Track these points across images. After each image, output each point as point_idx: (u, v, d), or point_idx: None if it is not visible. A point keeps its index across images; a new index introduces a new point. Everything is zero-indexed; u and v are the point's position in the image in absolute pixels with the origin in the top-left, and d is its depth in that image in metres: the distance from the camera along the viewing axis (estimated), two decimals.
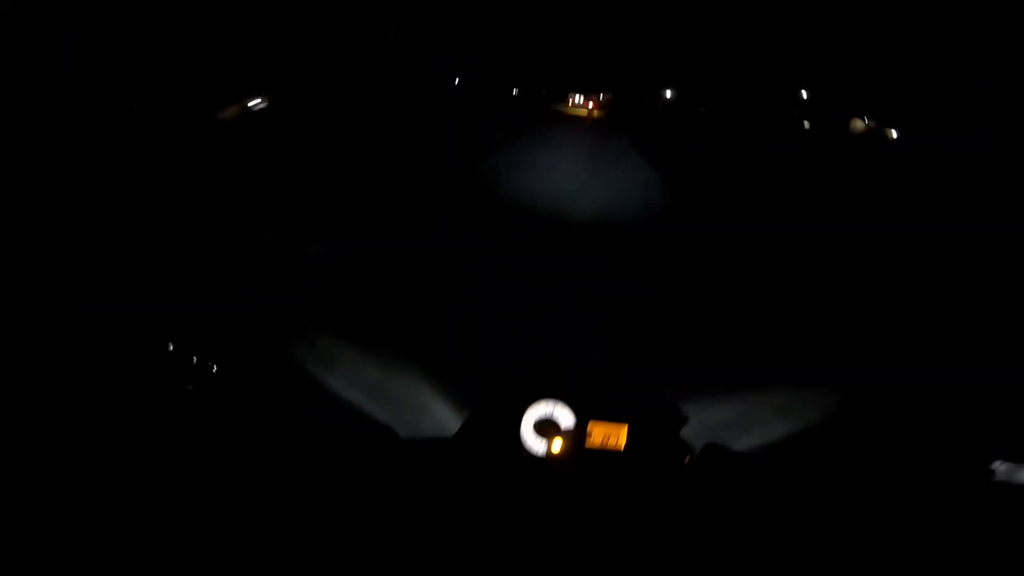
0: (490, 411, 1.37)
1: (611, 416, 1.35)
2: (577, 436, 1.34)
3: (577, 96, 2.92)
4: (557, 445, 1.33)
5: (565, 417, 1.34)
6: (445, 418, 1.41)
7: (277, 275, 2.03)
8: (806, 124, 2.65)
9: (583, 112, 2.91)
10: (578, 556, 1.26)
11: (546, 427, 1.33)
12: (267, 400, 1.61)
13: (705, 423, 1.69)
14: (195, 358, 1.60)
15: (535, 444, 1.33)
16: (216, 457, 1.37)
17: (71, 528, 1.24)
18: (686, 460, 1.35)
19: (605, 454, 1.35)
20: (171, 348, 1.60)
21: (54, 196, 1.78)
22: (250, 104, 2.17)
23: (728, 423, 1.73)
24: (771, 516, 1.41)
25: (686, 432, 1.48)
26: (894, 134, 2.42)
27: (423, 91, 2.75)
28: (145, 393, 1.50)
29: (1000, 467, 1.46)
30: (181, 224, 1.87)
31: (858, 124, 2.31)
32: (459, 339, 1.87)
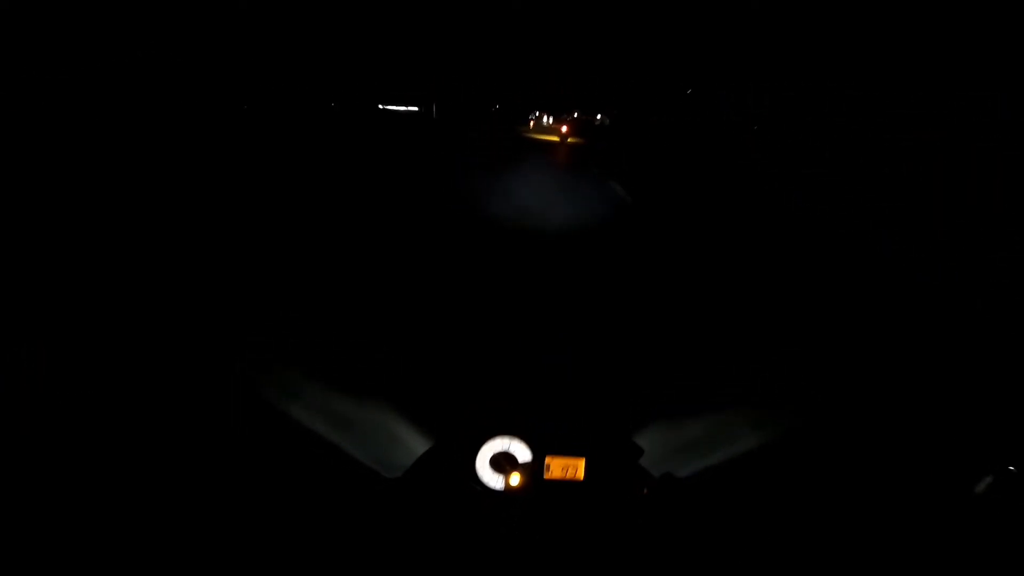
0: (445, 447, 1.37)
1: (568, 450, 1.35)
2: (535, 470, 1.34)
3: (546, 117, 2.88)
4: (515, 479, 1.33)
5: (521, 452, 1.34)
6: (402, 452, 1.42)
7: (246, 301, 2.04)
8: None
9: (555, 138, 2.88)
10: None
11: (502, 462, 1.33)
12: (231, 429, 1.63)
13: (679, 439, 1.70)
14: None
15: (491, 479, 1.34)
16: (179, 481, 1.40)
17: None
18: (644, 491, 1.35)
19: (563, 485, 1.35)
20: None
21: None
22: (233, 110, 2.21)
23: (701, 438, 1.73)
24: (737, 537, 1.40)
25: (654, 454, 1.48)
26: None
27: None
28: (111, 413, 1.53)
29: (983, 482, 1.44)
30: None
31: None
32: (419, 375, 1.89)
